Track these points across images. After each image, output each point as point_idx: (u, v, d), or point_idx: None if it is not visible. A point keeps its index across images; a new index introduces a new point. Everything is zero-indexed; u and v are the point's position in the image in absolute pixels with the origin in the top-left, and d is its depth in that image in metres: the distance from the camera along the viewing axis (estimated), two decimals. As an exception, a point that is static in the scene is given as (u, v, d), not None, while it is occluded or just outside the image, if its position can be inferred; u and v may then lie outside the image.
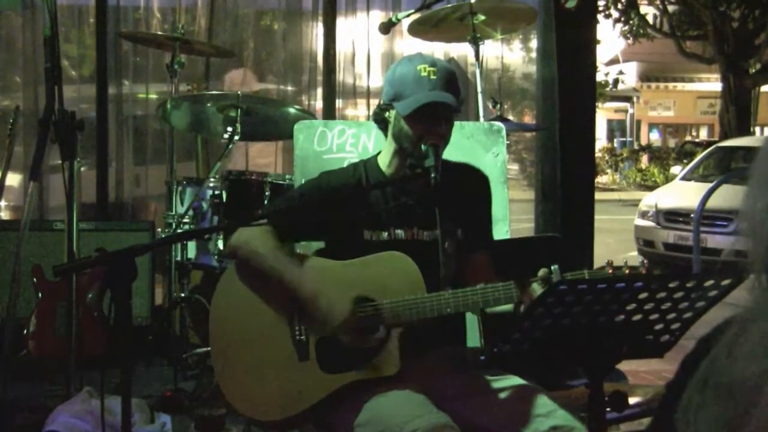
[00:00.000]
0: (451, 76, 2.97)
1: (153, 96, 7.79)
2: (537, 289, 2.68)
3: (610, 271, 2.68)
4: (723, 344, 1.04)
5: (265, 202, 4.95)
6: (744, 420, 0.91)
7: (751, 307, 1.06)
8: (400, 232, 2.97)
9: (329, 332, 2.80)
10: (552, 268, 2.69)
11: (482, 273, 2.93)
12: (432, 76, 2.90)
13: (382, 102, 3.03)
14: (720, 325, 1.10)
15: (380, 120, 3.05)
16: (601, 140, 34.24)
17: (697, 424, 1.02)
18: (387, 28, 5.33)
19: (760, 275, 1.05)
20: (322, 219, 2.99)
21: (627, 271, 2.67)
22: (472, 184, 3.14)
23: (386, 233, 2.96)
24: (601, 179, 28.78)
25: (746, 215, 1.06)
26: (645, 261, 2.84)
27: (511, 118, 5.99)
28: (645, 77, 37.75)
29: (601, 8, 21.31)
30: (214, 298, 3.02)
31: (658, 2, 24.22)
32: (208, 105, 5.47)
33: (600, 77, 26.82)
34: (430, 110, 2.88)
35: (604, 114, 36.39)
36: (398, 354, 2.76)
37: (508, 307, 2.81)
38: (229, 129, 5.16)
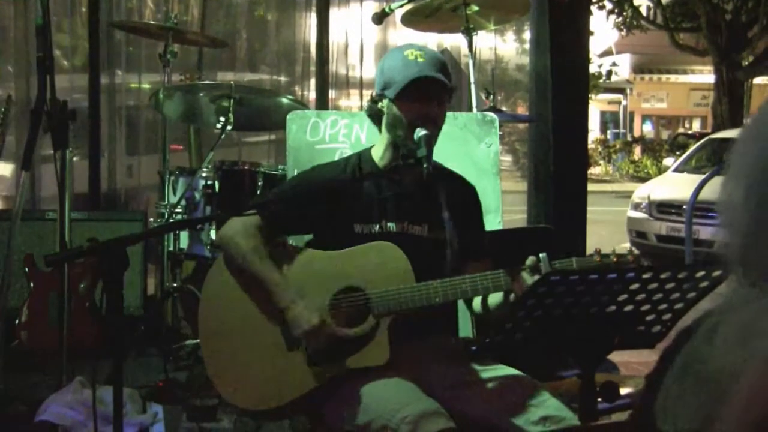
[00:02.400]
0: (440, 61, 2.98)
1: (146, 86, 7.76)
2: (526, 277, 2.68)
3: (598, 259, 2.69)
4: (701, 335, 1.05)
5: (258, 192, 4.95)
6: (721, 408, 0.92)
7: (729, 299, 1.07)
8: (391, 224, 2.96)
9: (298, 340, 2.81)
10: (540, 256, 2.69)
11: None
12: (420, 59, 2.91)
13: (374, 94, 3.03)
14: (699, 318, 1.11)
15: (374, 113, 3.04)
16: (594, 132, 34.23)
17: (676, 413, 1.03)
18: (380, 18, 5.33)
19: (737, 267, 1.05)
20: (313, 212, 2.99)
21: (615, 259, 2.67)
22: (462, 190, 3.15)
23: (377, 226, 2.96)
24: (593, 171, 28.79)
25: (723, 207, 1.07)
26: (633, 249, 2.85)
27: (504, 109, 6.00)
28: (638, 69, 37.75)
29: (594, 0, 21.31)
30: (203, 288, 3.02)
31: (651, -6, 24.25)
32: (201, 95, 5.46)
33: (593, 69, 26.83)
34: (419, 89, 2.88)
35: (597, 106, 36.39)
36: (388, 344, 2.76)
37: (498, 297, 2.82)
38: (222, 119, 5.16)
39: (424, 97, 2.91)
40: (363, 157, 3.11)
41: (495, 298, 2.87)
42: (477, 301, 2.97)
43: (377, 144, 3.10)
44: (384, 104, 2.98)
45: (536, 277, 2.65)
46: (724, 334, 1.00)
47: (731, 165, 1.07)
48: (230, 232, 2.96)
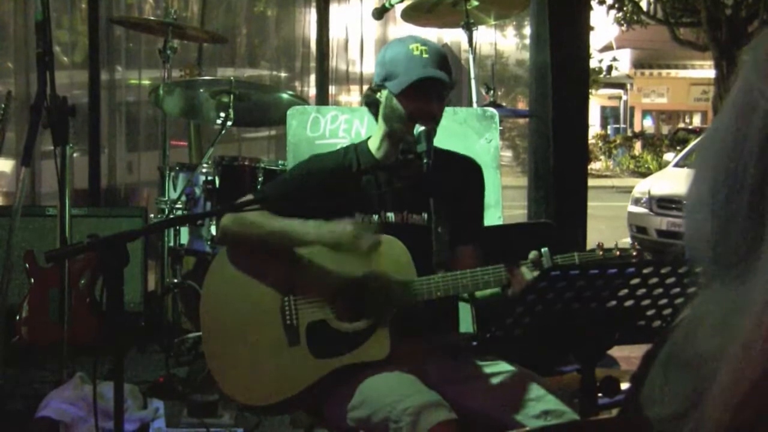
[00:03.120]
0: (443, 56, 2.97)
1: (145, 82, 7.76)
2: (526, 272, 2.68)
3: (601, 253, 2.68)
4: (681, 329, 1.05)
5: (258, 187, 4.94)
6: (706, 391, 0.92)
7: (704, 293, 1.08)
8: (391, 215, 2.96)
9: (350, 241, 2.76)
10: (542, 251, 2.69)
11: (468, 265, 2.90)
12: (424, 55, 2.90)
13: (373, 84, 3.02)
14: (679, 319, 1.12)
15: (371, 102, 3.04)
16: (594, 127, 34.19)
17: (662, 399, 1.03)
18: (380, 13, 5.33)
19: (708, 260, 1.06)
20: (312, 202, 2.98)
21: (617, 253, 2.67)
22: (464, 174, 3.13)
23: (377, 216, 2.96)
24: (594, 166, 28.76)
25: (690, 202, 1.07)
26: (635, 243, 2.84)
27: (504, 104, 5.99)
28: (638, 64, 37.72)
29: (594, -5, 21.30)
30: (204, 283, 3.02)
31: (652, -11, 24.25)
32: (201, 91, 5.46)
33: (593, 64, 26.81)
34: (423, 87, 2.88)
35: (597, 101, 36.35)
36: (389, 338, 2.76)
37: (496, 290, 2.82)
38: (222, 115, 5.16)
39: (426, 95, 2.91)
40: (360, 148, 3.10)
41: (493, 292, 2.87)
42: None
43: (374, 135, 3.10)
44: (383, 95, 2.98)
45: (536, 272, 2.65)
46: (703, 325, 1.01)
47: (697, 158, 1.07)
48: (233, 215, 2.95)
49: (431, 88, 2.91)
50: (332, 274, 2.82)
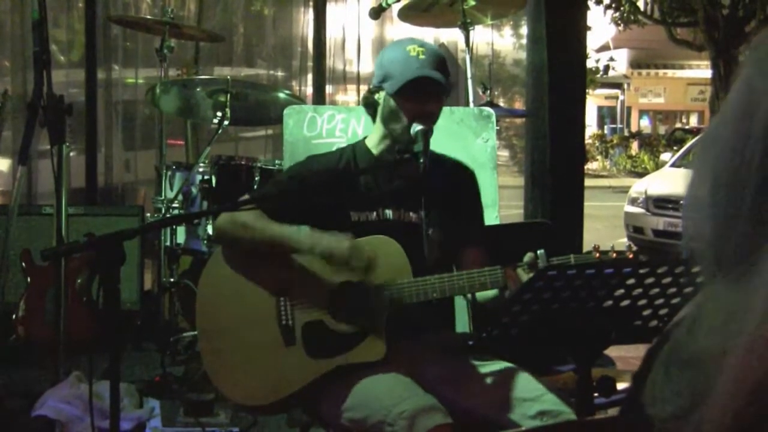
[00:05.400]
0: (440, 58, 2.99)
1: (142, 81, 7.76)
2: (522, 274, 2.68)
3: (597, 255, 2.69)
4: (683, 328, 1.06)
5: (255, 187, 4.94)
6: (708, 389, 0.92)
7: (705, 291, 1.08)
8: (389, 212, 2.97)
9: (342, 258, 2.76)
10: (538, 252, 2.69)
11: (475, 268, 2.91)
12: (421, 56, 2.91)
13: (371, 85, 3.03)
14: (680, 317, 1.12)
15: (369, 103, 3.05)
16: (591, 127, 34.20)
17: (664, 397, 1.04)
18: (377, 13, 5.33)
19: (709, 259, 1.06)
20: (309, 202, 2.98)
21: (614, 255, 2.67)
22: (459, 180, 3.15)
23: (374, 213, 2.96)
24: (591, 166, 28.76)
25: (690, 202, 1.07)
26: (631, 245, 2.84)
27: (501, 104, 6.00)
28: (635, 64, 37.71)
29: (591, -5, 21.30)
30: (200, 283, 3.01)
31: (649, -11, 24.26)
32: (198, 90, 5.45)
33: (590, 64, 26.74)
34: (419, 87, 2.89)
35: (594, 101, 36.34)
36: (385, 338, 2.76)
37: (494, 292, 2.82)
38: (219, 114, 5.15)
39: (422, 96, 2.92)
40: (358, 147, 3.11)
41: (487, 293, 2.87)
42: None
43: (371, 134, 3.11)
44: (381, 96, 2.99)
45: (531, 274, 2.66)
46: (705, 323, 1.01)
47: (696, 160, 1.07)
48: (229, 215, 2.95)
49: (427, 88, 2.91)
50: (322, 279, 2.82)
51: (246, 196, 3.05)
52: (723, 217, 1.00)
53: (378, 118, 3.04)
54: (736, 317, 0.93)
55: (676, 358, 1.04)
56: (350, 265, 2.77)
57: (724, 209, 1.00)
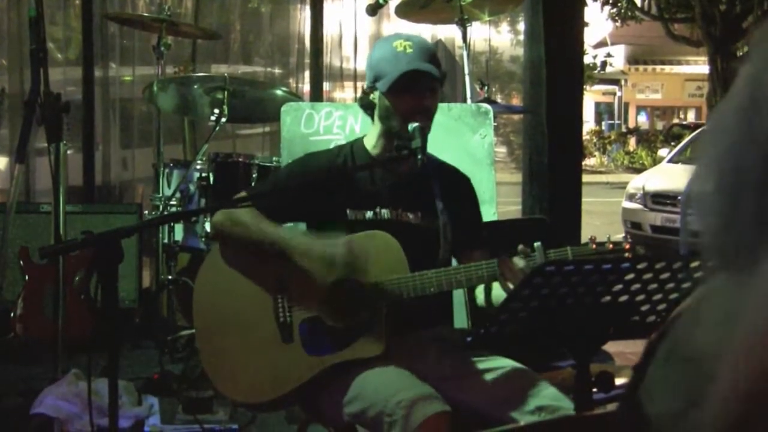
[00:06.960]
0: (429, 49, 2.98)
1: (139, 78, 7.76)
2: (518, 262, 2.68)
3: (594, 246, 2.68)
4: (684, 322, 1.05)
5: (252, 184, 4.94)
6: (705, 389, 0.92)
7: (708, 285, 1.07)
8: (385, 211, 2.96)
9: (335, 274, 2.77)
10: (535, 245, 2.69)
11: None
12: (408, 50, 2.89)
13: (365, 86, 3.03)
14: (681, 309, 1.11)
15: (366, 105, 3.04)
16: (588, 123, 34.22)
17: (662, 394, 1.03)
18: (374, 9, 5.32)
19: (714, 253, 1.05)
20: (306, 200, 2.98)
21: (610, 246, 2.67)
22: (457, 182, 3.15)
23: (371, 212, 2.96)
24: (588, 162, 28.77)
25: (694, 198, 1.06)
26: (628, 236, 2.84)
27: (498, 100, 6.01)
28: (633, 60, 37.72)
29: (589, -9, 21.29)
30: (197, 280, 3.01)
31: (646, -16, 24.25)
32: (195, 87, 5.45)
33: (588, 60, 26.79)
34: (411, 82, 2.87)
35: (591, 97, 36.36)
36: (383, 334, 2.76)
37: (502, 291, 2.81)
38: (216, 111, 5.15)
39: (415, 90, 2.90)
40: (356, 146, 3.11)
41: (499, 291, 2.85)
42: (480, 297, 2.97)
43: (370, 133, 3.10)
44: (375, 96, 2.98)
45: (528, 260, 2.66)
46: (706, 318, 1.00)
47: (700, 154, 1.06)
48: (226, 213, 2.95)
49: (419, 81, 2.90)
50: (320, 276, 2.82)
51: (243, 194, 3.04)
52: (727, 212, 0.99)
53: (375, 118, 3.03)
54: (736, 316, 0.93)
55: (675, 355, 1.04)
56: (346, 267, 2.77)
57: (728, 204, 0.99)
